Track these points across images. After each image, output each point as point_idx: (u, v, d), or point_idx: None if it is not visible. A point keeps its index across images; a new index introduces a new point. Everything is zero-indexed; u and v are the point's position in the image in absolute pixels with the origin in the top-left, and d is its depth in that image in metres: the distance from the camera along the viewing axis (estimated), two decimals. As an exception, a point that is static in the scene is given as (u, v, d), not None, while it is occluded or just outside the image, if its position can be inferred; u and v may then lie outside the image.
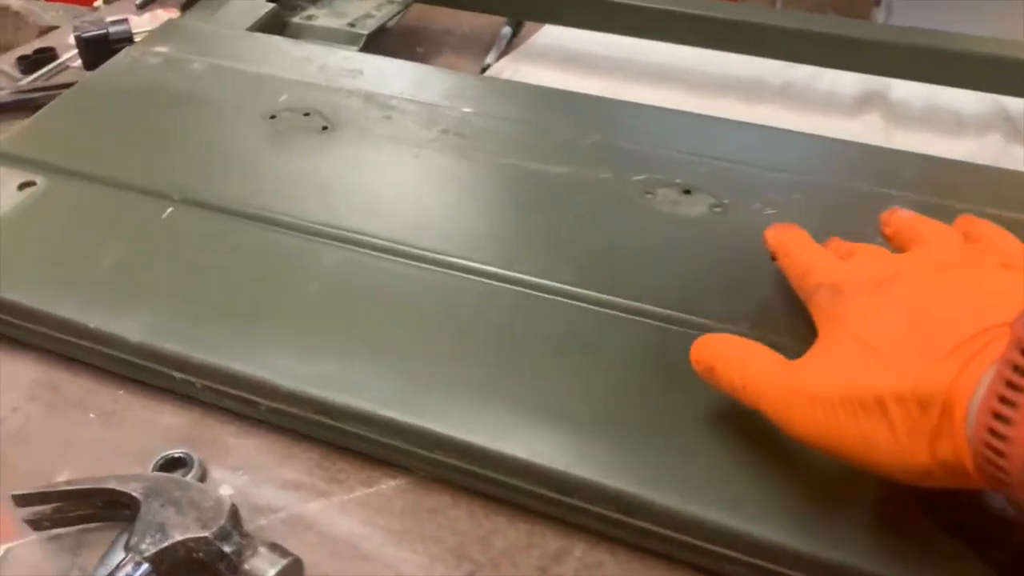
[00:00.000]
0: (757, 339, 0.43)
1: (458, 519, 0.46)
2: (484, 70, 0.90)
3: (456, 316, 0.51)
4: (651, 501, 0.42)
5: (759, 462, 0.42)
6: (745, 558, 0.41)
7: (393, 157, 0.63)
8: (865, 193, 0.59)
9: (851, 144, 0.66)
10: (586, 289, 0.52)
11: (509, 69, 0.89)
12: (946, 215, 0.47)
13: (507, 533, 0.46)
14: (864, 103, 0.83)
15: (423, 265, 0.54)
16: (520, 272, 0.53)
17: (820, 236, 0.48)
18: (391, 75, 0.72)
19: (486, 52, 0.94)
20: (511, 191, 0.61)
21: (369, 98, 0.69)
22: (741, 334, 0.44)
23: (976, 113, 0.80)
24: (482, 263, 0.54)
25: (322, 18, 0.87)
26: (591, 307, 0.51)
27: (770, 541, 0.40)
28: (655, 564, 0.44)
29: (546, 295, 0.52)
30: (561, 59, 0.92)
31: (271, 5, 0.85)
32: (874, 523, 0.40)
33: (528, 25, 1.00)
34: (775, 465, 0.42)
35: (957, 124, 0.79)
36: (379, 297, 0.52)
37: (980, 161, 0.69)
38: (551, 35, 0.96)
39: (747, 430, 0.43)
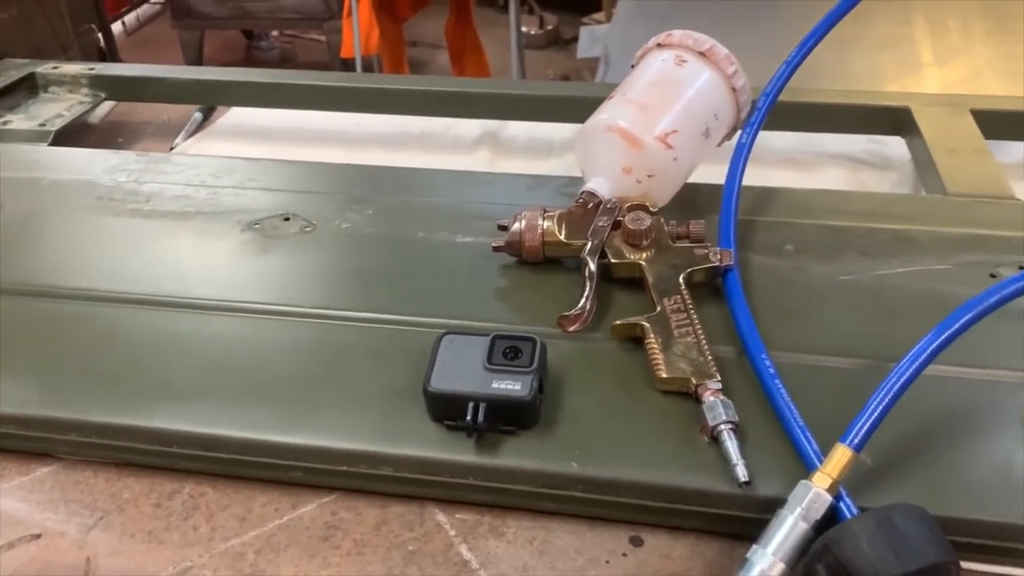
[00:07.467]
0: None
1: (96, 484, 0.60)
2: (172, 150, 1.05)
3: (89, 328, 0.66)
4: (229, 436, 0.57)
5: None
6: (301, 463, 0.57)
7: (57, 223, 0.77)
8: (423, 203, 0.78)
9: (433, 170, 0.86)
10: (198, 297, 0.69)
11: (194, 147, 1.05)
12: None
13: (133, 487, 0.60)
14: (480, 142, 1.03)
15: (65, 298, 0.68)
16: (139, 292, 0.69)
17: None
18: (64, 160, 0.87)
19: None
20: (148, 232, 0.76)
21: (38, 181, 0.82)
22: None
23: (564, 139, 1.02)
24: (111, 290, 0.69)
25: (16, 122, 1.01)
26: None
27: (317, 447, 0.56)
28: (242, 487, 0.59)
29: (154, 307, 0.68)
30: (239, 134, 1.09)
31: (-40, 119, 0.98)
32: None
33: (220, 108, 1.16)
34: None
35: (549, 149, 1.01)
36: (34, 329, 0.66)
37: (559, 174, 0.90)
38: (236, 115, 1.13)
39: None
